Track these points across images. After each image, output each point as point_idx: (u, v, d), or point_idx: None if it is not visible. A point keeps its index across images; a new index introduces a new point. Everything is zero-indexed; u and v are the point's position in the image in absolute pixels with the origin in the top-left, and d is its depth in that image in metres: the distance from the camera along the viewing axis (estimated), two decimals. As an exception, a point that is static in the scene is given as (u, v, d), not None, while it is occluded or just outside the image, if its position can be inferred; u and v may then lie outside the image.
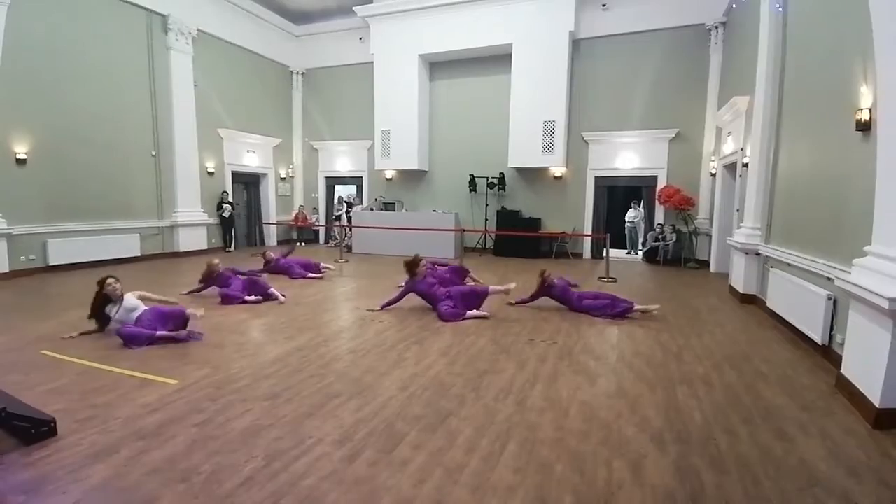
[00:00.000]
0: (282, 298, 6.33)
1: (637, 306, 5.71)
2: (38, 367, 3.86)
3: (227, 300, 6.18)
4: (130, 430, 2.83)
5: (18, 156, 7.94)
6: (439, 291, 5.73)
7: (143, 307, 4.69)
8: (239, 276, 6.74)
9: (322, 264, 8.48)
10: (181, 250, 10.88)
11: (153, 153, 10.33)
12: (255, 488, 2.28)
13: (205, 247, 11.52)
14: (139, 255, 9.89)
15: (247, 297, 6.28)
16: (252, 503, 2.17)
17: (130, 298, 4.70)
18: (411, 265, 5.87)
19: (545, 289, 6.03)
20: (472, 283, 6.66)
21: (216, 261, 6.74)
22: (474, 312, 5.63)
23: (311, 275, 8.20)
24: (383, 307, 5.91)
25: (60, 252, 8.51)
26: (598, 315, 5.70)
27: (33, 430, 2.61)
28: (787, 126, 5.92)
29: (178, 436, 2.77)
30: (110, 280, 4.65)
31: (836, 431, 2.94)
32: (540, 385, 3.64)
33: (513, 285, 5.84)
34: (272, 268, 8.22)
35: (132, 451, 2.60)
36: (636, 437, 2.83)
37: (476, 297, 5.73)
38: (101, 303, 4.63)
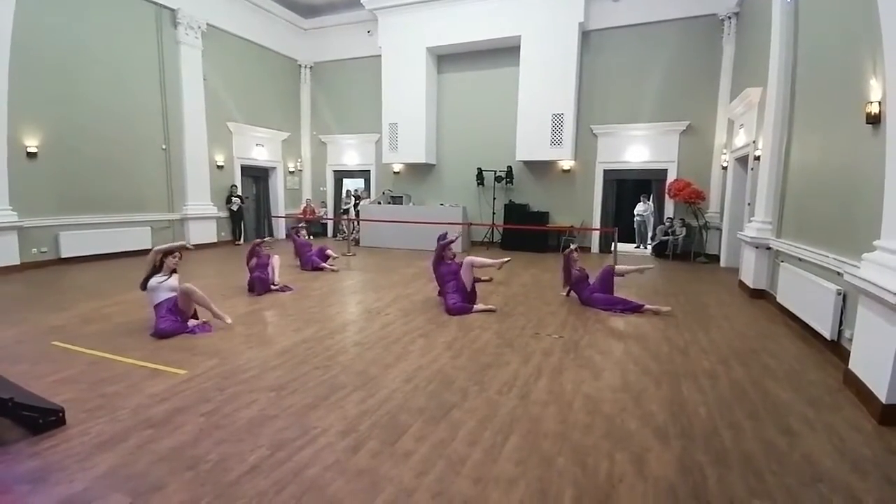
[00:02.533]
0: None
1: (648, 306, 5.67)
2: (49, 357, 3.93)
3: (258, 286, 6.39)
4: (139, 419, 2.88)
5: (29, 149, 8.02)
6: (451, 282, 5.73)
7: (174, 295, 4.68)
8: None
9: (329, 253, 8.57)
10: (193, 243, 10.95)
11: (163, 147, 10.41)
12: (259, 476, 2.31)
13: (214, 240, 11.62)
14: (150, 247, 9.96)
15: (272, 286, 6.53)
16: (257, 491, 2.20)
17: (175, 281, 4.77)
18: (441, 247, 5.97)
19: (567, 266, 6.19)
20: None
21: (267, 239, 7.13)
22: (480, 306, 5.64)
23: (323, 264, 8.31)
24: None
25: (72, 244, 8.62)
26: (605, 310, 5.69)
27: (41, 419, 2.65)
28: (799, 118, 5.82)
29: (186, 425, 2.82)
30: (177, 254, 4.88)
31: (842, 427, 2.91)
32: (544, 378, 3.64)
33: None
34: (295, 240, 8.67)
35: (140, 439, 2.64)
36: (639, 431, 2.83)
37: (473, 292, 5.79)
38: (155, 269, 4.69)
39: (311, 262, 8.30)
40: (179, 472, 2.34)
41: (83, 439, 2.63)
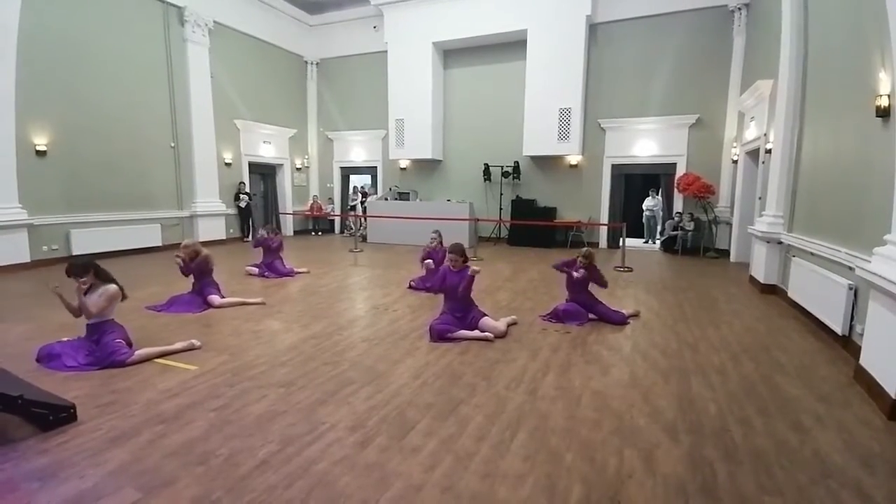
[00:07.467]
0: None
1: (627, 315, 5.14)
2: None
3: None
4: (150, 414, 2.91)
5: (38, 147, 8.10)
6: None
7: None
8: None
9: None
10: (201, 240, 11.00)
11: (172, 144, 10.49)
12: (269, 471, 2.33)
13: (223, 237, 11.70)
14: (160, 244, 10.09)
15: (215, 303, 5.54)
16: (267, 486, 2.22)
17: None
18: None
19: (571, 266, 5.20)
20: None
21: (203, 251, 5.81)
22: (476, 333, 4.47)
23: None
24: None
25: (83, 242, 8.71)
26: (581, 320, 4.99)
27: (51, 416, 2.66)
28: (810, 111, 5.75)
29: (197, 420, 2.84)
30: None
31: (852, 423, 2.89)
32: (552, 374, 3.64)
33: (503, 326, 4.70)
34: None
35: (152, 434, 2.67)
36: (648, 427, 2.82)
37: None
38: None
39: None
40: (190, 467, 2.36)
41: (94, 435, 2.66)
